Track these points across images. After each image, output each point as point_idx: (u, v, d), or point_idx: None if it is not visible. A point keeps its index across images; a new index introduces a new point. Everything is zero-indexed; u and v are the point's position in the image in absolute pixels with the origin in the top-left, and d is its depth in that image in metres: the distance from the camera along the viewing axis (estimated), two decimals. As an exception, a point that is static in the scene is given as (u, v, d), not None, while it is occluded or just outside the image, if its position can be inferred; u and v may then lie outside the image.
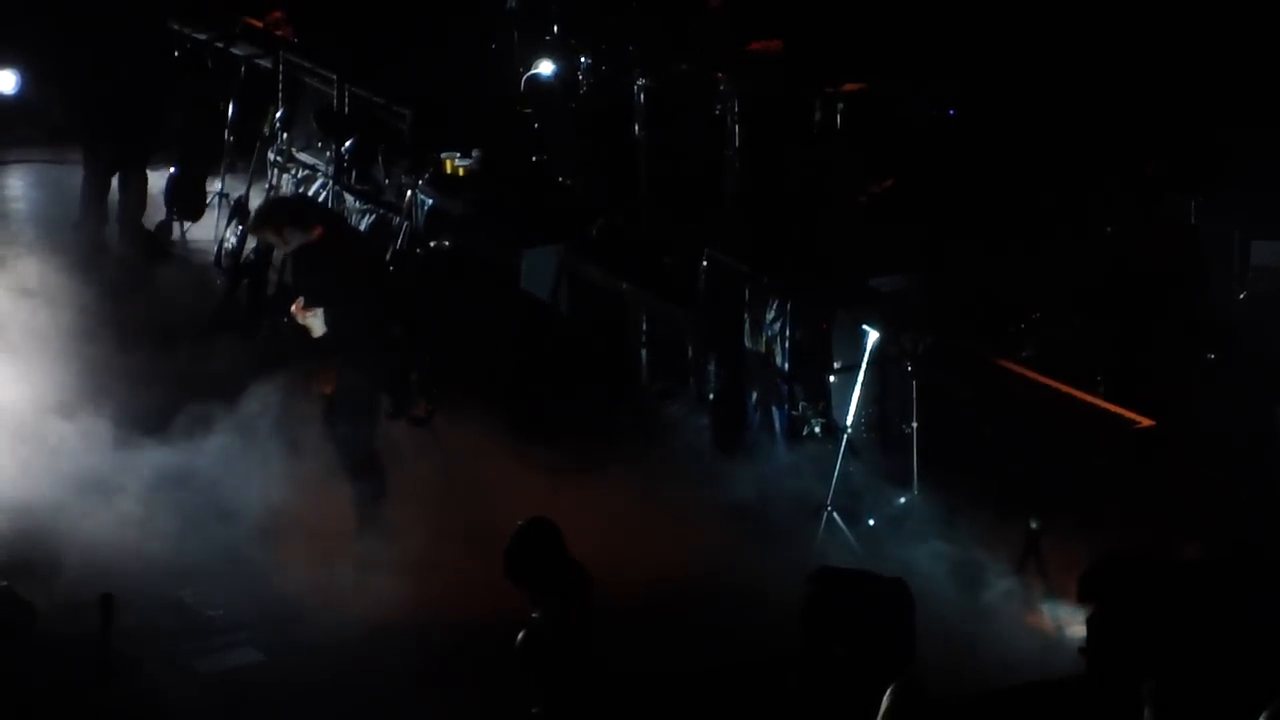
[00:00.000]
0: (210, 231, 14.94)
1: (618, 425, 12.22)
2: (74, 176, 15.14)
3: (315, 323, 10.67)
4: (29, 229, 15.25)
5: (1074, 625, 9.45)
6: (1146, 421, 11.02)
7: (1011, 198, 12.58)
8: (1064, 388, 11.21)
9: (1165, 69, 12.64)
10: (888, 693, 6.59)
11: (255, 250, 13.73)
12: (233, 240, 14.25)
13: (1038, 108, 12.93)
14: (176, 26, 15.38)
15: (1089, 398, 11.18)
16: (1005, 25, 13.34)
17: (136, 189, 14.64)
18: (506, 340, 13.04)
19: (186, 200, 14.98)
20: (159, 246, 14.79)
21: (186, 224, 15.07)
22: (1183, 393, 11.35)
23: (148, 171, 14.77)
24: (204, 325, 13.19)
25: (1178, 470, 11.08)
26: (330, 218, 11.66)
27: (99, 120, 14.41)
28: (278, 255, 11.08)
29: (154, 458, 11.35)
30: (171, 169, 14.99)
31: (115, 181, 14.70)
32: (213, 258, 14.66)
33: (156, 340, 12.54)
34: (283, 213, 11.01)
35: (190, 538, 10.88)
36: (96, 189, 14.61)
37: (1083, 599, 8.10)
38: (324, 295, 10.67)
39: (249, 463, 11.20)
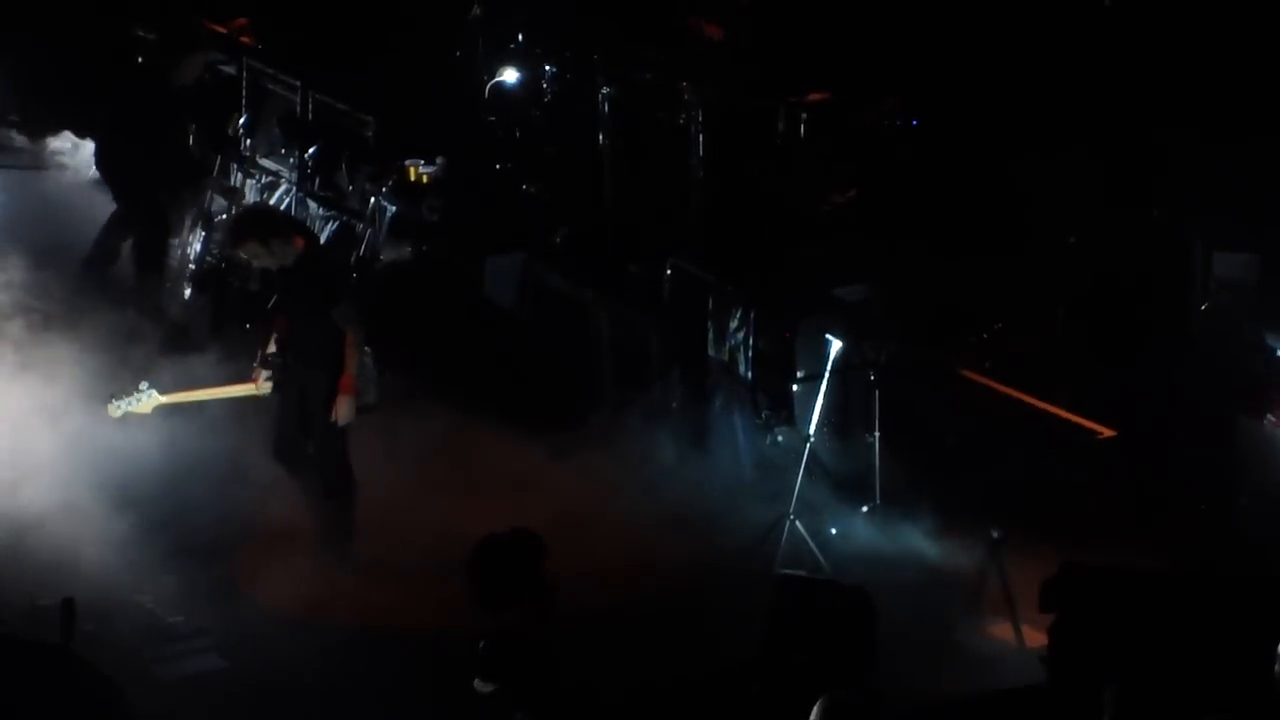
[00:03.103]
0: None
1: (579, 433, 12.21)
2: (49, 183, 15.08)
3: (266, 388, 10.71)
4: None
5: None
6: (1108, 432, 11.07)
7: (975, 208, 12.61)
8: (1026, 398, 11.25)
9: (1129, 75, 12.68)
10: (815, 706, 6.54)
11: (220, 257, 13.69)
12: (197, 246, 14.21)
13: (1001, 117, 12.97)
14: (140, 32, 15.31)
15: (1051, 408, 11.23)
16: (968, 34, 13.36)
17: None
18: (468, 348, 13.02)
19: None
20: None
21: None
22: (1145, 404, 11.40)
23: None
24: (167, 332, 13.14)
25: (1138, 481, 11.13)
26: (303, 228, 11.62)
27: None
28: (255, 266, 10.93)
29: (115, 463, 11.32)
30: None
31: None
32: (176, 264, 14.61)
33: (118, 347, 12.48)
34: (266, 224, 10.92)
35: (151, 543, 10.85)
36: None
37: (1044, 608, 8.14)
38: (306, 306, 10.64)
39: (213, 469, 11.18)
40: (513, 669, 7.74)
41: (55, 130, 16.23)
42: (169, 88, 13.52)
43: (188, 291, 14.14)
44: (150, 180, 13.81)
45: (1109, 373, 11.66)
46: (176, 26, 14.13)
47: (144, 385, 10.70)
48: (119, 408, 10.65)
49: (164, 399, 10.69)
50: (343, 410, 10.60)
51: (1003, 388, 11.52)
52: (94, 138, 14.81)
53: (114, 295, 13.75)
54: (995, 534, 10.33)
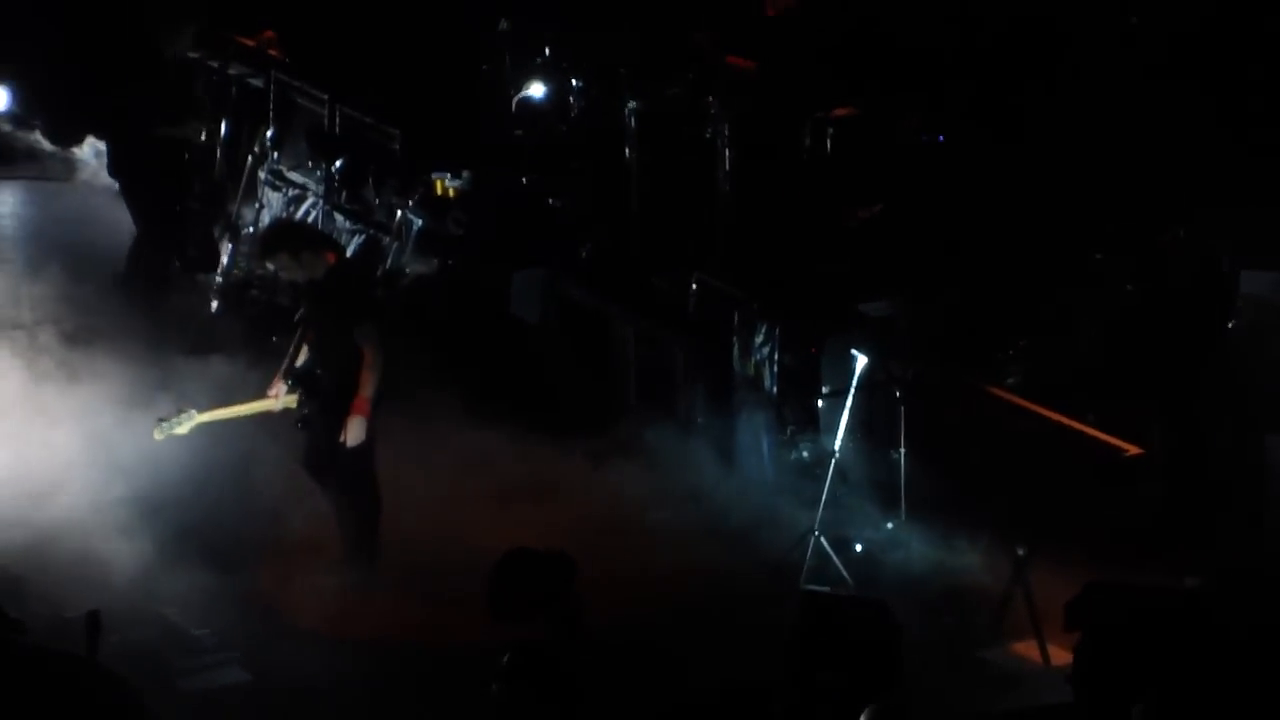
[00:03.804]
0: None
1: (604, 448, 12.20)
2: (63, 195, 15.13)
3: (286, 401, 10.72)
4: (21, 248, 15.25)
5: None
6: (1135, 449, 11.04)
7: (1001, 223, 12.59)
8: (1052, 415, 11.22)
9: (1155, 90, 12.67)
10: (864, 715, 6.56)
11: (247, 270, 13.73)
12: (224, 259, 14.26)
13: (1027, 133, 12.96)
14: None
15: (1077, 425, 11.20)
16: (993, 50, 13.36)
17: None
18: (493, 362, 13.03)
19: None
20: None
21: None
22: (1172, 421, 11.37)
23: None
24: (194, 344, 13.17)
25: (1165, 499, 11.10)
26: (332, 242, 11.64)
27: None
28: (284, 279, 10.93)
29: (142, 475, 11.35)
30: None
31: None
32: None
33: (146, 359, 12.51)
34: (297, 237, 10.94)
35: (177, 555, 10.87)
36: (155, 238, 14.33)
37: (1069, 626, 8.10)
38: (330, 322, 10.64)
39: (239, 480, 11.20)
40: (535, 682, 7.74)
41: (81, 136, 16.32)
42: (166, 64, 13.62)
43: (215, 303, 14.18)
44: (159, 181, 13.90)
45: (1136, 390, 11.63)
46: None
47: (186, 408, 10.71)
48: (164, 430, 10.68)
49: (203, 418, 10.71)
50: (352, 433, 10.56)
51: (1028, 404, 11.49)
52: (106, 142, 14.88)
53: (141, 306, 13.81)
54: (1021, 551, 10.31)
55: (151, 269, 14.08)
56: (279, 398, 10.79)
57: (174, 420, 10.67)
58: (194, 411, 10.71)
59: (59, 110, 16.35)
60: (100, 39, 14.69)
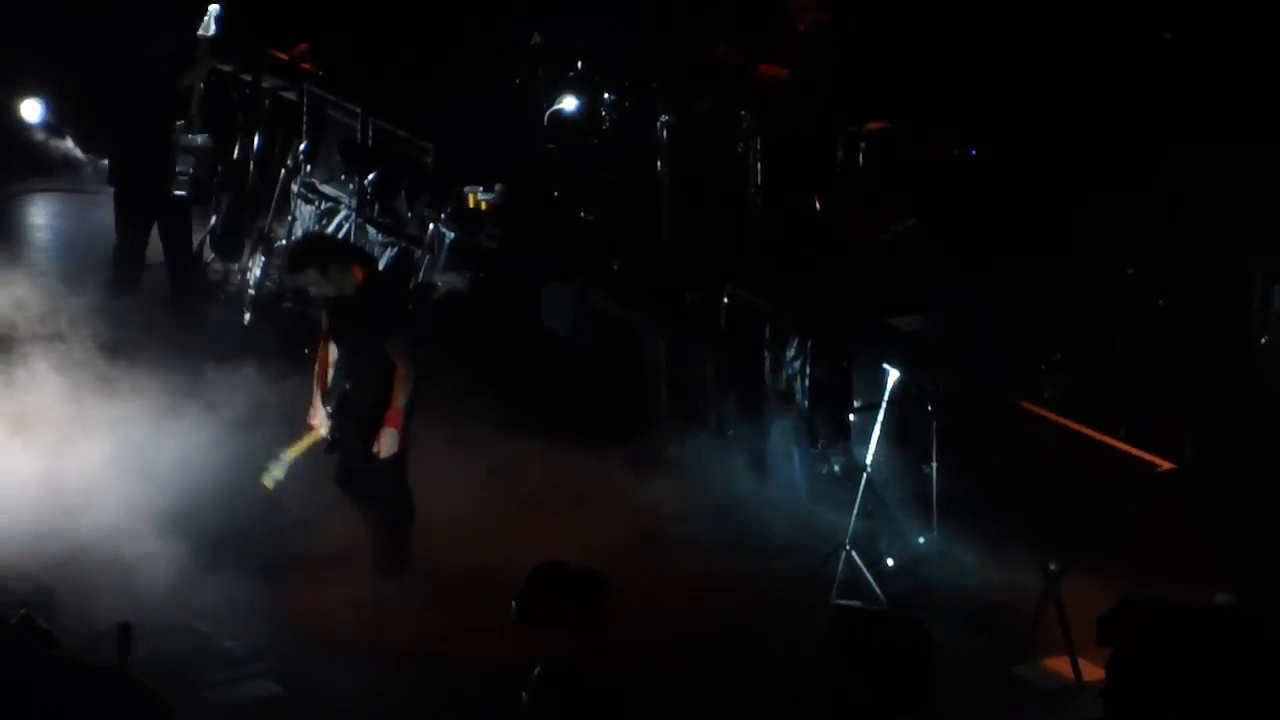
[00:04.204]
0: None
1: (635, 461, 12.21)
2: (97, 206, 15.18)
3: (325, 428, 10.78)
4: (55, 258, 15.33)
5: None
6: (1167, 465, 11.00)
7: (1034, 238, 12.57)
8: (1085, 430, 11.19)
9: (1190, 107, 12.64)
10: None
11: (279, 282, 13.75)
12: (256, 272, 14.30)
13: (1061, 147, 12.94)
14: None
15: (1110, 440, 11.17)
16: (1027, 65, 13.35)
17: (181, 235, 14.55)
18: (525, 375, 13.04)
19: (230, 240, 14.99)
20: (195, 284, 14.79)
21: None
22: (1205, 437, 11.33)
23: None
24: (226, 356, 13.20)
25: (1198, 515, 11.06)
26: (362, 255, 11.64)
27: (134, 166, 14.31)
28: (314, 294, 10.92)
29: (173, 487, 11.38)
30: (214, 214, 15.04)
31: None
32: (236, 289, 14.71)
33: (179, 371, 12.55)
34: (324, 252, 10.94)
35: (208, 567, 10.89)
36: (133, 244, 14.42)
37: (1102, 642, 8.08)
38: (363, 335, 10.66)
39: (271, 494, 11.21)
40: (565, 694, 7.73)
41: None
42: (171, 94, 13.70)
43: (247, 315, 14.22)
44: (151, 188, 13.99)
45: (1167, 405, 11.60)
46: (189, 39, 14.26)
47: (279, 452, 10.75)
48: (271, 478, 10.72)
49: (289, 455, 10.74)
50: (385, 444, 10.58)
51: (1060, 419, 11.46)
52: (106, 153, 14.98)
53: (169, 316, 13.87)
54: (1053, 566, 10.28)
55: (125, 269, 14.20)
56: (324, 425, 10.81)
57: (274, 466, 10.71)
58: (282, 452, 10.75)
59: (88, 119, 16.44)
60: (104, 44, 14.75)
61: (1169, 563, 10.49)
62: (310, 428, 10.83)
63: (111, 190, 14.40)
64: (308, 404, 10.91)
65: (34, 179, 16.59)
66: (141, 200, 14.15)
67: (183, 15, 14.13)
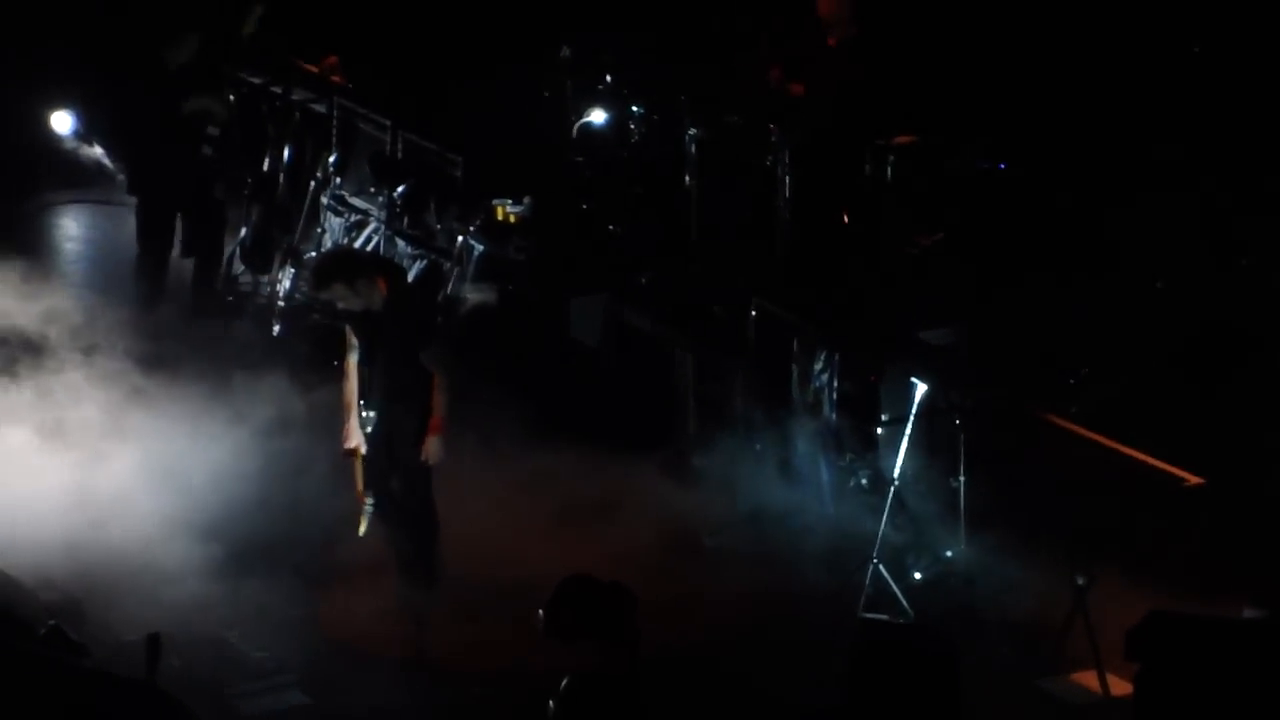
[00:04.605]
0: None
1: (663, 473, 12.21)
2: (128, 218, 15.22)
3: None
4: (86, 270, 15.38)
5: None
6: (1196, 480, 10.99)
7: (1063, 251, 12.57)
8: (1113, 444, 11.18)
9: (1219, 120, 12.63)
10: None
11: (308, 294, 13.77)
12: (286, 284, 14.33)
13: (1090, 162, 12.93)
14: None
15: (1138, 455, 11.15)
16: (1056, 78, 13.34)
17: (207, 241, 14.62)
18: (553, 386, 13.06)
19: (260, 253, 15.03)
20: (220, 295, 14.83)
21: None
22: (1234, 452, 11.31)
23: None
24: (254, 367, 13.23)
25: (1228, 529, 11.04)
26: (390, 267, 11.64)
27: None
28: (341, 310, 10.92)
29: (202, 498, 11.41)
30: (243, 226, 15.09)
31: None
32: (265, 301, 14.74)
33: (209, 382, 12.58)
34: (350, 266, 10.93)
35: (236, 578, 10.92)
36: (154, 252, 14.50)
37: (1130, 656, 8.07)
38: (396, 348, 10.67)
39: (299, 506, 11.25)
40: (592, 707, 7.74)
41: None
42: (169, 75, 13.75)
43: (276, 328, 14.25)
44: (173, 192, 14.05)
45: (1198, 419, 11.58)
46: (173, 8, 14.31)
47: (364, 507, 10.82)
48: (365, 523, 10.77)
49: (361, 489, 10.82)
50: (432, 451, 10.64)
51: (1089, 433, 11.45)
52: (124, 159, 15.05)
53: (197, 327, 13.91)
54: (1081, 580, 10.26)
55: (150, 275, 14.28)
56: (362, 443, 10.82)
57: (363, 512, 10.80)
58: (361, 498, 10.82)
59: (117, 129, 16.52)
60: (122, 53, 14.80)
61: (1197, 577, 10.47)
62: (353, 452, 10.82)
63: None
64: (343, 427, 10.89)
65: (65, 190, 16.65)
66: (161, 208, 14.22)
67: (197, 24, 14.20)
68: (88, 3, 15.86)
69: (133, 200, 14.68)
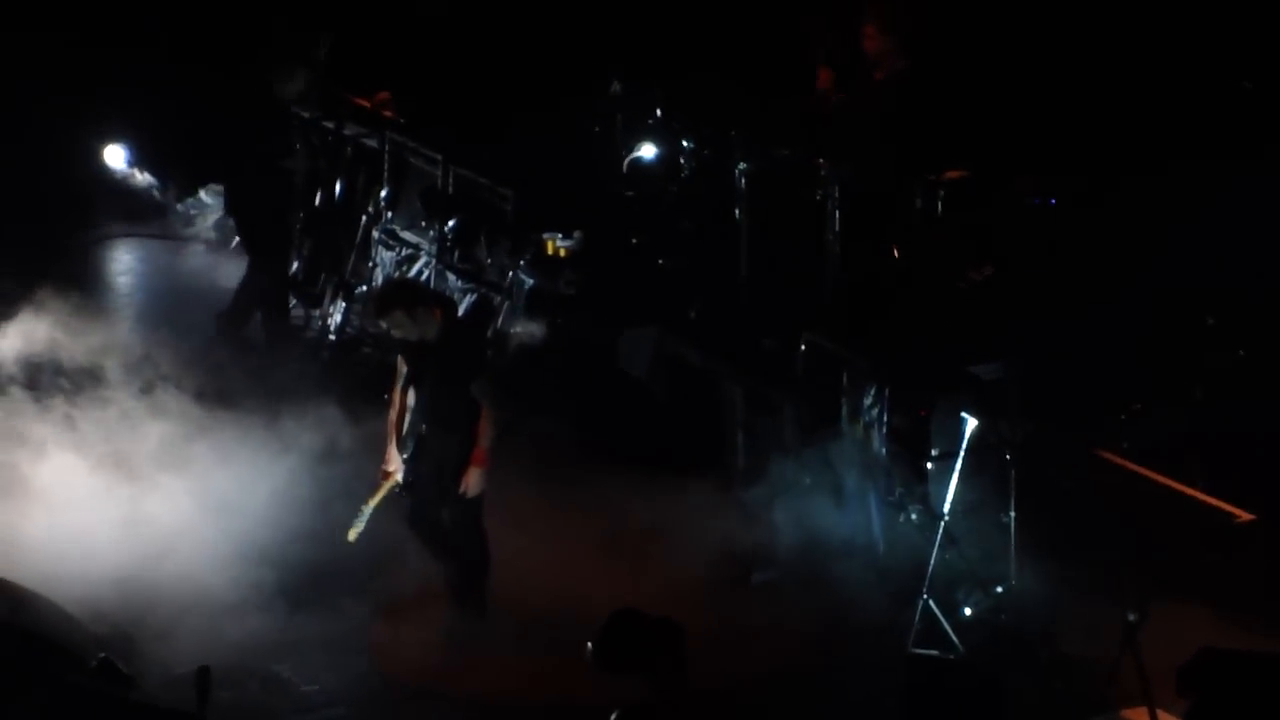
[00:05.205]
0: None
1: (712, 507, 12.21)
2: (181, 252, 15.35)
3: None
4: (140, 303, 15.48)
5: None
6: (1247, 516, 10.94)
7: (1113, 286, 12.53)
8: (1164, 480, 11.15)
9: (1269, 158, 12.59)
10: None
11: (359, 327, 13.84)
12: (337, 318, 14.40)
13: (1139, 194, 12.89)
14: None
15: (1189, 490, 11.11)
16: (1104, 113, 13.32)
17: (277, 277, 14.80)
18: (602, 419, 13.08)
19: (311, 286, 15.16)
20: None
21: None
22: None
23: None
24: (307, 400, 13.28)
25: (1277, 565, 10.99)
26: (443, 300, 11.74)
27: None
28: (396, 338, 11.05)
29: (253, 531, 11.45)
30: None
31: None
32: (316, 335, 14.81)
33: (261, 414, 12.64)
34: (411, 295, 11.08)
35: (287, 611, 10.95)
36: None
37: (1181, 692, 8.04)
38: (446, 378, 10.74)
39: (350, 538, 11.27)
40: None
41: (195, 187, 16.60)
42: (277, 103, 13.91)
43: (327, 361, 14.32)
44: (270, 213, 14.20)
45: (1248, 455, 11.53)
46: (286, 41, 14.49)
47: (361, 505, 10.86)
48: (354, 531, 10.83)
49: (369, 507, 10.85)
50: (473, 483, 10.71)
51: (1140, 469, 11.41)
52: (220, 182, 15.19)
53: (256, 360, 13.98)
54: (1131, 616, 10.21)
55: (272, 302, 14.41)
56: (400, 470, 10.91)
57: (357, 520, 10.84)
58: (363, 505, 10.87)
59: (173, 161, 16.65)
60: (216, 85, 14.94)
61: (1249, 613, 10.42)
62: (387, 475, 10.93)
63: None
64: (383, 451, 11.00)
65: (119, 224, 16.77)
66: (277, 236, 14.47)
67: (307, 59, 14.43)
68: (144, 39, 16.03)
69: (188, 235, 14.85)
